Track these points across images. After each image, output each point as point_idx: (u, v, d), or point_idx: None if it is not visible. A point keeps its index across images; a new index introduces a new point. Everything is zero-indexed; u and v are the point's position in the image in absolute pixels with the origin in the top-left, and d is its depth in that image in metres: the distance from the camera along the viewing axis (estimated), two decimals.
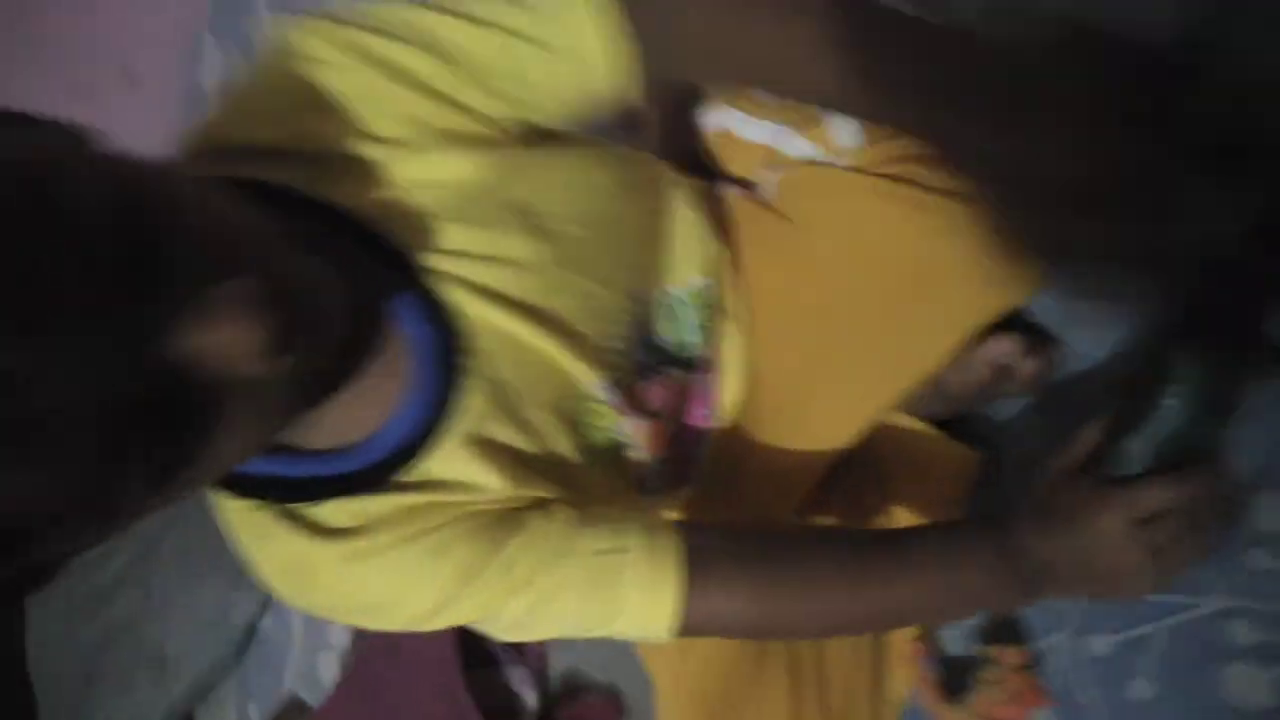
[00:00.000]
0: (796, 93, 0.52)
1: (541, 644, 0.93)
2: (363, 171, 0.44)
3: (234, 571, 1.62)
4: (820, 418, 0.61)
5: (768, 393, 0.60)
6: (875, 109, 0.49)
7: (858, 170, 0.55)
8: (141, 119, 1.30)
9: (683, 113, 0.65)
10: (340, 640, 1.16)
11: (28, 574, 0.31)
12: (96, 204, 0.31)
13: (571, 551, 0.47)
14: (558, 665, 0.93)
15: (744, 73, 0.51)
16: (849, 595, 0.50)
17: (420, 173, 0.45)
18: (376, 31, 0.43)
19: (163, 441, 0.33)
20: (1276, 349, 0.55)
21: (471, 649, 0.91)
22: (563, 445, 0.50)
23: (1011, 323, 0.61)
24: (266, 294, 0.32)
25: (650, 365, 0.54)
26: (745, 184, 0.63)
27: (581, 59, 0.45)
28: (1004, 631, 0.68)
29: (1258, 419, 0.56)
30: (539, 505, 0.48)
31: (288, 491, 0.44)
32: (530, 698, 0.92)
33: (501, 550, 0.46)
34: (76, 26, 1.68)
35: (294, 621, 1.38)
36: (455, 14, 0.44)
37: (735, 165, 0.63)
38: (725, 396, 0.60)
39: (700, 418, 0.59)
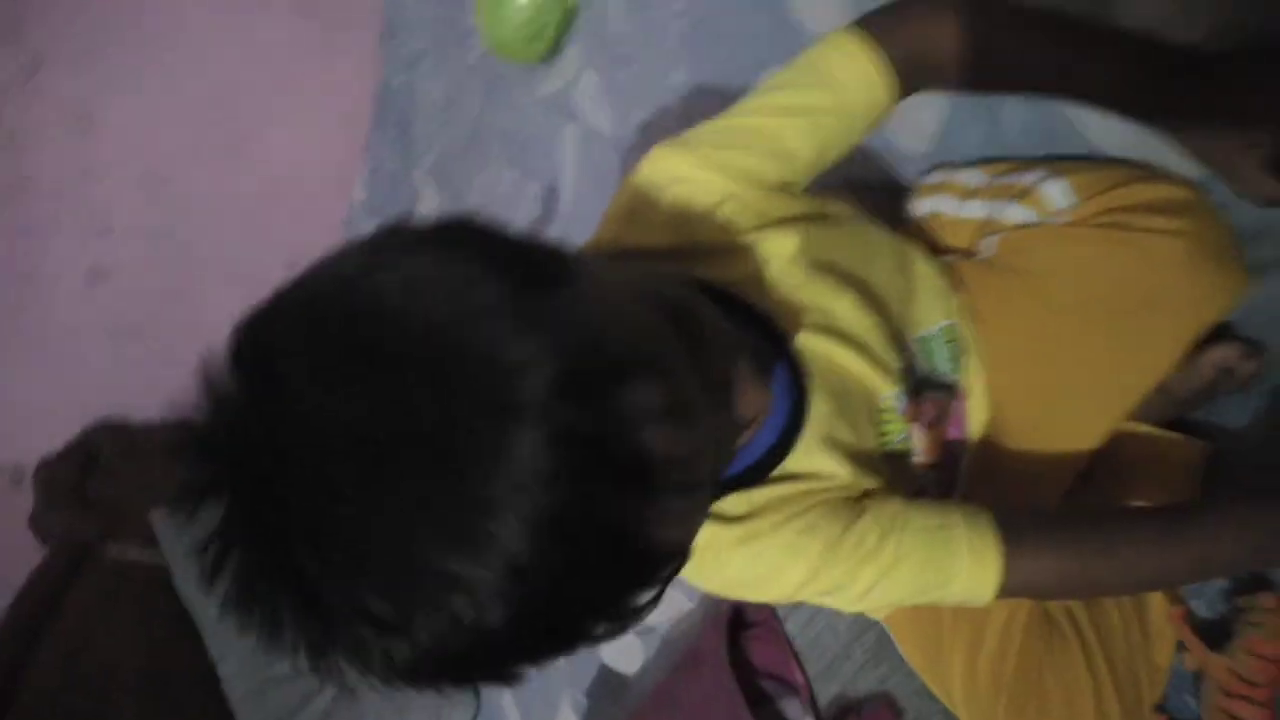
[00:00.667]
0: (1035, 85, 0.63)
1: (806, 675, 1.00)
2: (731, 257, 0.59)
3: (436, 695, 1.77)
4: (1064, 431, 0.70)
5: (1014, 411, 0.70)
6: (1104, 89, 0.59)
7: (1074, 224, 0.66)
8: None
9: (880, 213, 0.77)
10: None
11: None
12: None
13: (908, 526, 0.56)
14: (824, 694, 0.99)
15: (993, 76, 0.61)
16: (1155, 554, 0.55)
17: (769, 250, 0.60)
18: (717, 146, 0.58)
19: None
20: None
21: (748, 691, 0.98)
22: (873, 447, 0.62)
23: (1220, 334, 0.69)
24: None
25: (922, 386, 0.66)
26: (959, 253, 0.76)
27: (860, 113, 0.58)
28: (1252, 584, 0.70)
29: None
30: (873, 493, 0.60)
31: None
32: None
33: (855, 526, 0.56)
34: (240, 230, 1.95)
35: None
36: (769, 110, 0.59)
37: (950, 239, 0.78)
38: (974, 417, 0.70)
39: (959, 434, 0.70)
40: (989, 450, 0.71)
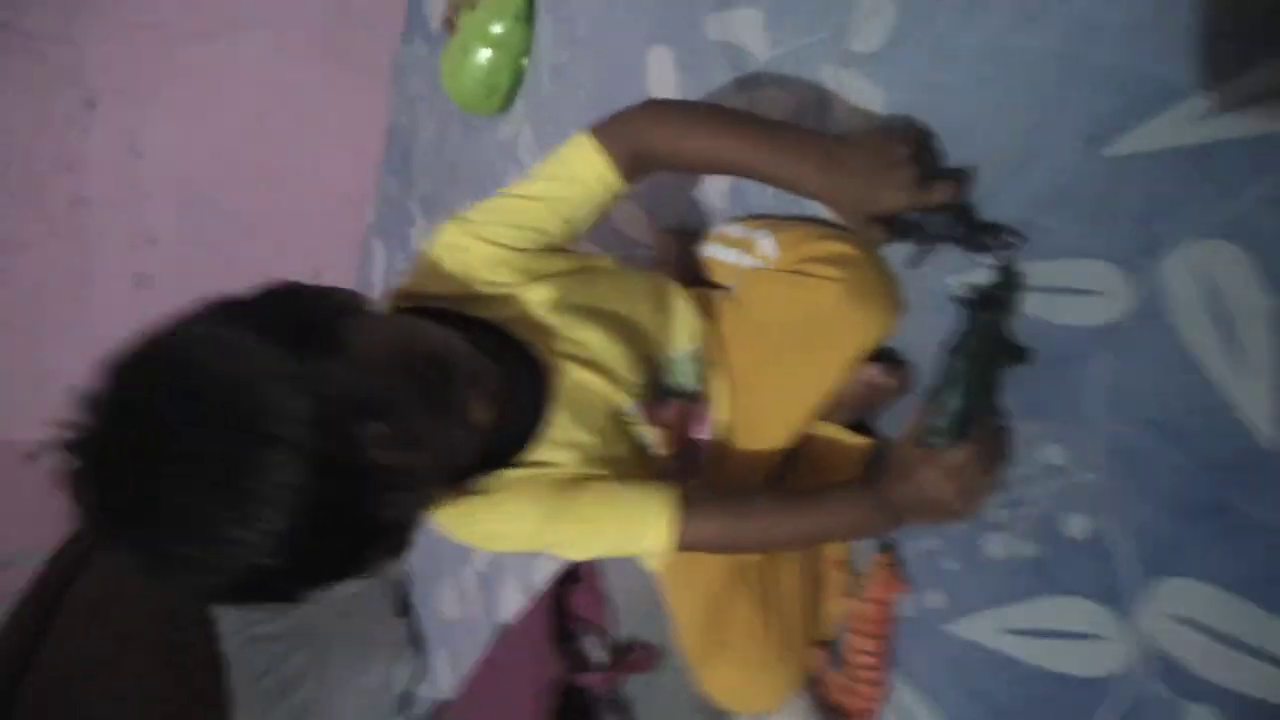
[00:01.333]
0: (717, 170, 0.90)
1: (604, 618, 1.27)
2: (502, 303, 0.79)
3: (391, 651, 2.05)
4: (769, 429, 0.88)
5: (742, 414, 0.89)
6: (764, 168, 0.80)
7: (774, 269, 0.86)
8: None
9: (686, 252, 1.06)
10: None
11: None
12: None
13: (613, 500, 0.78)
14: (618, 632, 1.27)
15: (688, 166, 0.85)
16: (788, 522, 0.78)
17: (526, 296, 0.79)
18: (486, 223, 0.78)
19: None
20: (1020, 347, 0.73)
21: (560, 630, 1.28)
22: (618, 442, 0.84)
23: (879, 355, 0.85)
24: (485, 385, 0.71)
25: (662, 396, 0.87)
26: (726, 288, 0.96)
27: (593, 194, 0.79)
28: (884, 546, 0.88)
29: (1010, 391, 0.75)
30: (596, 476, 0.79)
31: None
32: (600, 655, 1.27)
33: (573, 497, 0.77)
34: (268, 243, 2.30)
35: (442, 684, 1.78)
36: (522, 196, 0.79)
37: (720, 278, 0.97)
38: (718, 418, 0.90)
39: (702, 433, 0.91)
40: (725, 445, 0.91)
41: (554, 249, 0.82)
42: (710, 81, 1.10)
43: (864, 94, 0.88)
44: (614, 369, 0.83)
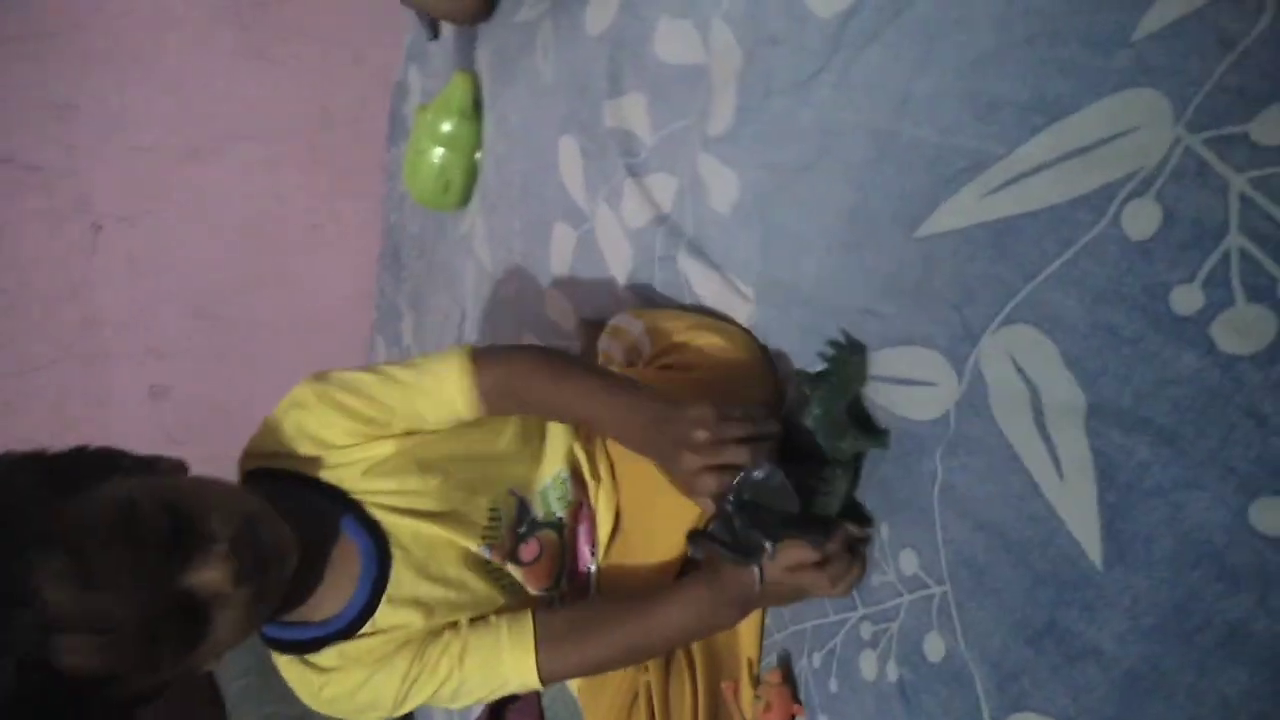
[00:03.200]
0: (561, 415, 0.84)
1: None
2: (331, 460, 0.76)
3: None
4: (665, 533, 0.84)
5: (637, 522, 0.87)
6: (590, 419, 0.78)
7: (643, 366, 0.88)
8: None
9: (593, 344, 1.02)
10: None
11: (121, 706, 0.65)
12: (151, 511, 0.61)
13: (467, 649, 0.76)
14: None
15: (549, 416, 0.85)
16: (636, 629, 0.76)
17: (361, 455, 0.76)
18: (339, 388, 0.75)
19: (188, 623, 0.62)
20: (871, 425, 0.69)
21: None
22: (476, 585, 0.79)
23: None
24: (232, 551, 0.62)
25: (528, 531, 0.83)
26: None
27: (450, 404, 0.77)
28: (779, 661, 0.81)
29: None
30: (449, 626, 0.78)
31: (304, 647, 0.76)
32: None
33: (426, 659, 0.76)
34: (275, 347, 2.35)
35: None
36: (381, 377, 0.77)
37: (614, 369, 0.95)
38: (602, 532, 0.88)
39: (586, 557, 0.88)
40: (616, 566, 0.86)
41: (391, 436, 0.78)
42: (608, 168, 1.07)
43: (721, 177, 0.83)
44: (458, 515, 0.79)
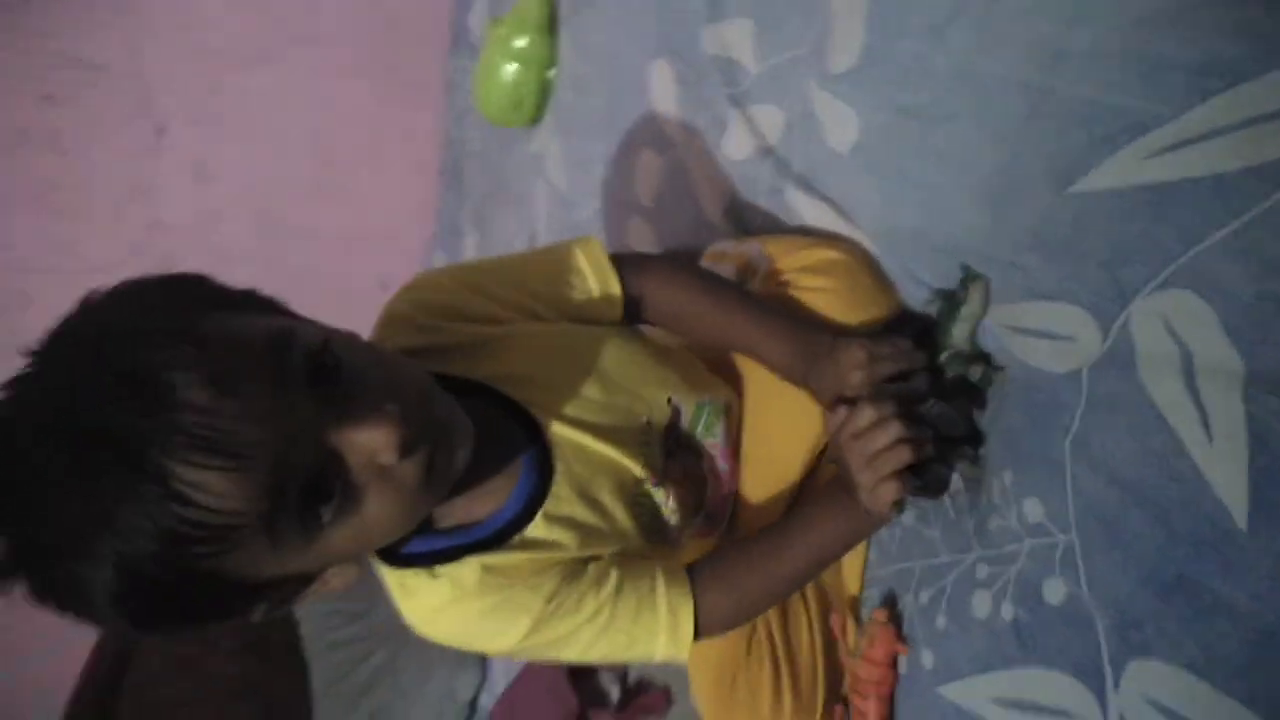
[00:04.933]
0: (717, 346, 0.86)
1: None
2: (486, 352, 0.70)
3: (457, 660, 2.13)
4: (788, 449, 0.84)
5: (758, 447, 0.85)
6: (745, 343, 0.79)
7: (764, 286, 0.84)
8: None
9: None
10: None
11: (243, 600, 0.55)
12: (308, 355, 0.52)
13: (621, 591, 0.69)
14: (633, 672, 1.28)
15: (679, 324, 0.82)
16: (787, 557, 0.73)
17: (520, 342, 0.71)
18: (475, 271, 0.73)
19: (328, 497, 0.51)
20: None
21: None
22: (620, 516, 0.73)
23: None
24: (403, 415, 0.52)
25: (675, 446, 0.79)
26: None
27: (589, 312, 0.75)
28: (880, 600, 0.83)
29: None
30: (599, 560, 0.71)
31: (435, 557, 0.66)
32: (614, 691, 1.25)
33: (576, 586, 0.68)
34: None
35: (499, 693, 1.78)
36: (516, 259, 0.77)
37: None
38: (735, 463, 0.85)
39: (723, 487, 0.84)
40: (746, 491, 0.87)
41: (537, 308, 0.75)
42: (708, 95, 1.06)
43: (839, 116, 0.83)
44: (618, 431, 0.73)
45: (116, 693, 1.91)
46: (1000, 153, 0.67)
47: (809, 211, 0.89)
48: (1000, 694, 0.68)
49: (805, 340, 0.74)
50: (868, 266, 0.81)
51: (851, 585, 0.85)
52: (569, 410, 0.71)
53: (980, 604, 0.71)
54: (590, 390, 0.73)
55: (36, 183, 2.15)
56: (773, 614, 0.85)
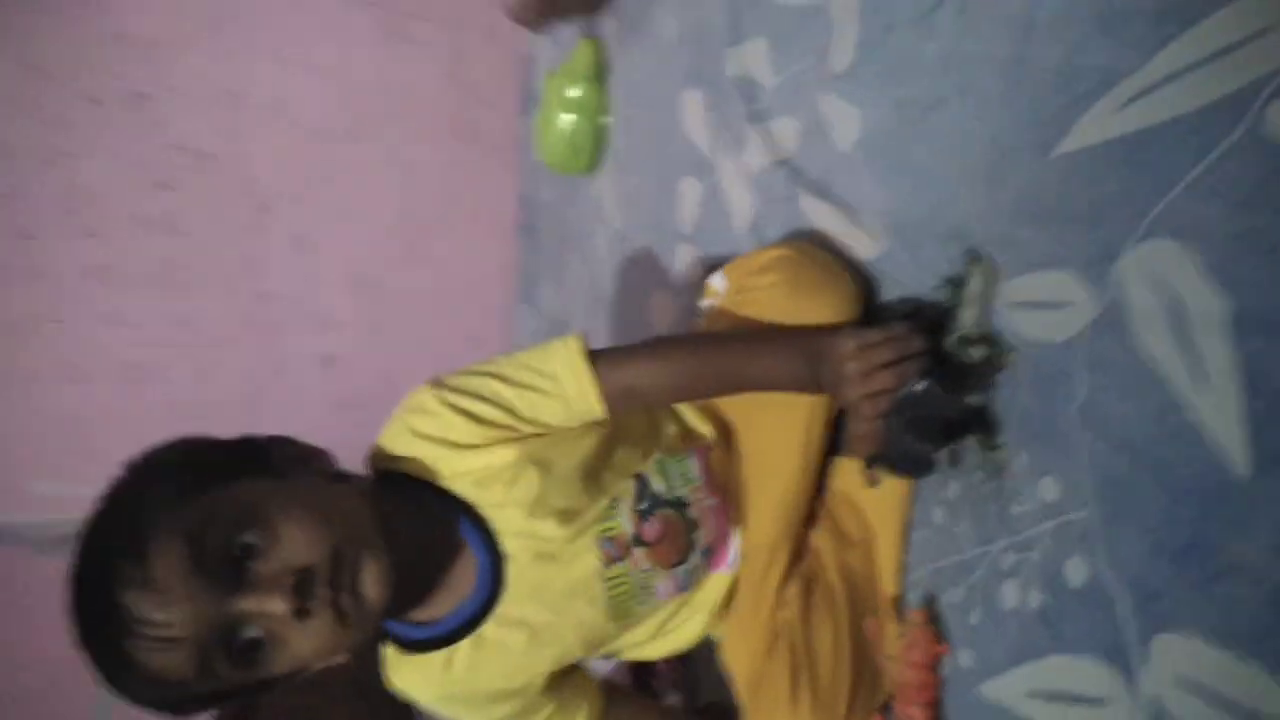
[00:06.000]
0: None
1: (684, 680, 1.23)
2: (450, 467, 0.76)
3: None
4: (785, 454, 0.86)
5: (752, 460, 0.88)
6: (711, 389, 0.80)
7: (723, 302, 0.88)
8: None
9: None
10: None
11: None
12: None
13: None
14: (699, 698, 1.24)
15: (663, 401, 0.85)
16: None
17: (480, 461, 0.75)
18: (455, 391, 0.75)
19: (245, 644, 0.63)
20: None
21: (644, 686, 1.25)
22: (579, 608, 0.79)
23: None
24: (297, 583, 0.62)
25: (650, 508, 0.82)
26: None
27: (574, 409, 0.76)
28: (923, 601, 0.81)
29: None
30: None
31: (417, 645, 0.77)
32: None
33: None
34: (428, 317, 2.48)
35: None
36: (501, 381, 0.75)
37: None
38: (741, 490, 0.89)
39: (719, 518, 0.87)
40: (753, 514, 0.88)
41: (515, 439, 0.77)
42: (730, 115, 1.08)
43: (843, 114, 0.83)
44: (576, 512, 0.78)
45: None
46: (987, 129, 0.66)
47: (821, 218, 0.90)
48: (1035, 687, 0.65)
49: (800, 350, 0.75)
50: (814, 258, 0.83)
51: (889, 585, 0.83)
52: (521, 514, 0.76)
53: (1009, 594, 0.68)
54: (546, 486, 0.77)
55: (156, 263, 2.35)
56: (794, 611, 0.84)
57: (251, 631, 0.63)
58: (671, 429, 0.88)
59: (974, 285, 0.70)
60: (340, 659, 0.69)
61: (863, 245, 0.85)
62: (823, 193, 0.90)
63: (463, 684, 0.78)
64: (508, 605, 0.76)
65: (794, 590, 0.84)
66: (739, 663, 0.88)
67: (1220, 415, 0.49)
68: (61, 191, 2.26)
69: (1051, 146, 0.60)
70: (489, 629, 0.76)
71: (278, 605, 0.62)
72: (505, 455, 0.76)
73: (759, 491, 0.87)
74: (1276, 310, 0.46)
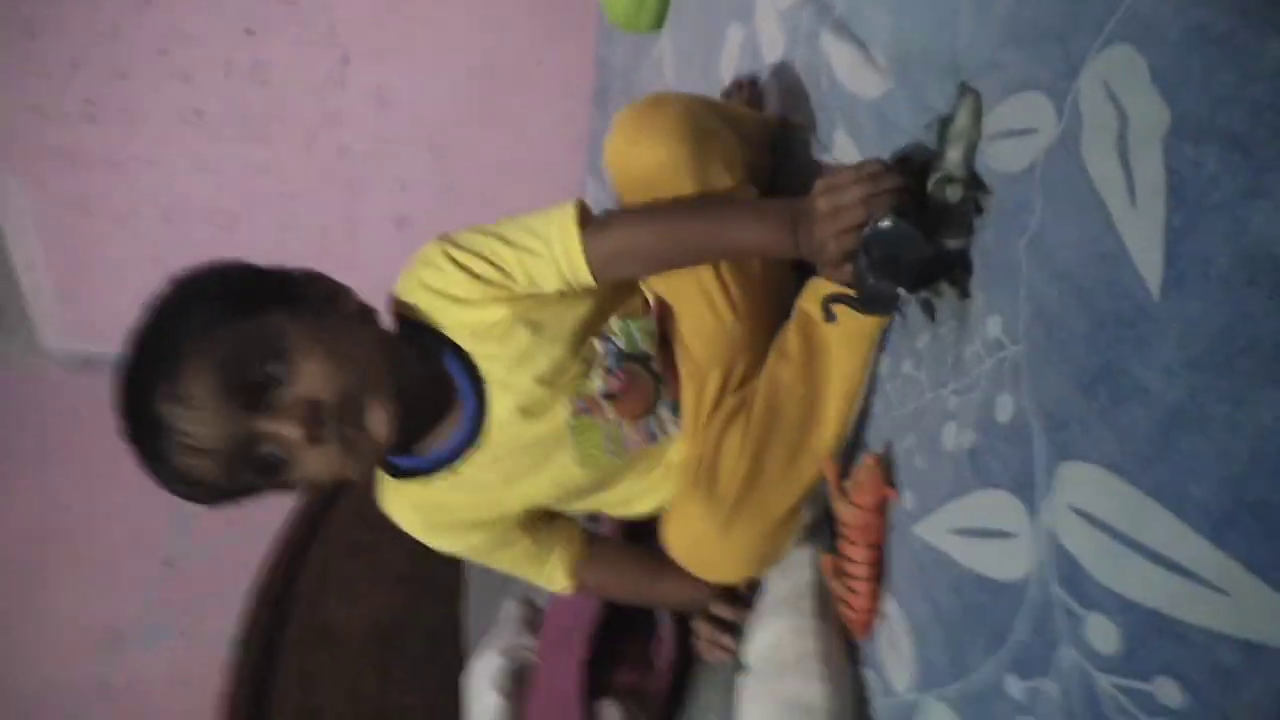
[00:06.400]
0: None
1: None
2: (449, 319, 0.83)
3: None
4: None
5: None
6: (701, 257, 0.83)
7: None
8: None
9: None
10: None
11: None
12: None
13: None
14: None
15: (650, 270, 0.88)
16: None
17: (475, 316, 0.82)
18: (459, 248, 0.81)
19: (273, 457, 0.75)
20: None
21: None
22: (552, 455, 0.88)
23: None
24: (310, 410, 0.73)
25: (614, 364, 0.88)
26: None
27: (563, 272, 0.80)
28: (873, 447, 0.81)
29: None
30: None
31: (402, 473, 0.89)
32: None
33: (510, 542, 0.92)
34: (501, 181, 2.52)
35: None
36: (502, 241, 0.81)
37: None
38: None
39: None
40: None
41: (510, 299, 0.83)
42: None
43: None
44: (549, 370, 0.85)
45: (301, 563, 2.17)
46: None
47: (836, 56, 0.86)
48: (956, 524, 0.65)
49: (776, 209, 0.76)
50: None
51: (832, 421, 0.84)
52: (511, 378, 0.84)
53: (949, 435, 0.67)
54: (529, 340, 0.83)
55: (243, 111, 2.41)
56: (717, 428, 0.86)
57: (270, 448, 0.73)
58: (637, 298, 0.91)
59: (960, 121, 0.66)
60: (353, 477, 0.80)
61: (873, 84, 0.81)
62: (842, 29, 0.86)
63: (438, 512, 0.89)
64: (485, 449, 0.85)
65: (727, 408, 0.85)
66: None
67: (1143, 234, 0.47)
68: (159, 32, 2.33)
69: None
70: (466, 467, 0.86)
71: (292, 430, 0.72)
72: (498, 313, 0.81)
73: (692, 331, 0.89)
74: (1206, 113, 0.43)
